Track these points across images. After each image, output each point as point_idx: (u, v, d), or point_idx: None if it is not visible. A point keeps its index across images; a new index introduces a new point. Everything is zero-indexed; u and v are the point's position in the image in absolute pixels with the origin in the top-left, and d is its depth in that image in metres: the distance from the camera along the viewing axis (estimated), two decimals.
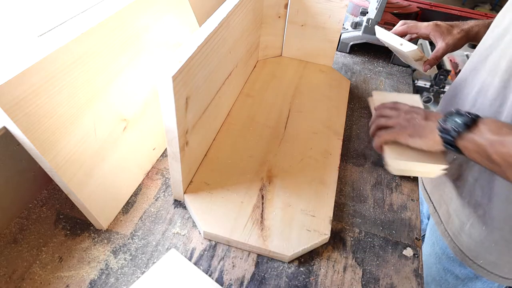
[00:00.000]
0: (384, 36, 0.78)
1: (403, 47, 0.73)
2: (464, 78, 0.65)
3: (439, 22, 0.75)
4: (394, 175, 0.70)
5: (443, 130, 0.49)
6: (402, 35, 0.80)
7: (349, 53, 1.09)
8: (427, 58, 0.75)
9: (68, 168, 0.50)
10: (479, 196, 0.61)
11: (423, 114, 0.53)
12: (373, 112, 0.68)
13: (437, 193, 0.71)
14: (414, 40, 0.79)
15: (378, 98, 0.69)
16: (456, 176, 0.66)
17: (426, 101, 1.13)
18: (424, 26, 0.75)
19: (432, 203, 0.73)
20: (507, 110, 0.53)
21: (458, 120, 0.47)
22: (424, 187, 0.75)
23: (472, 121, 0.47)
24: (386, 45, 0.80)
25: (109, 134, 0.57)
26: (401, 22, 0.80)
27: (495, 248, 0.61)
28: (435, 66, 0.78)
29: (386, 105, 0.61)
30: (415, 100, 0.66)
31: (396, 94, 0.79)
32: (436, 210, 0.71)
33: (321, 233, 0.56)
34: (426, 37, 0.75)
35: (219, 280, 0.51)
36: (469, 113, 0.48)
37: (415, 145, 0.52)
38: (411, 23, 0.78)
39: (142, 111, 0.65)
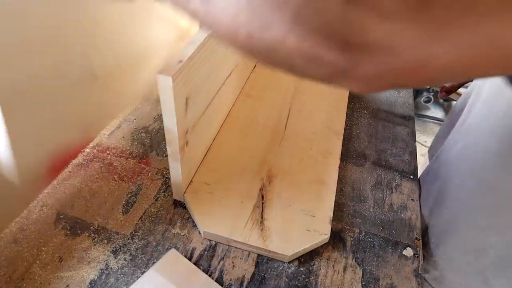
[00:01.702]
0: None
1: None
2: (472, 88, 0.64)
3: None
4: (395, 175, 0.70)
5: None
6: None
7: None
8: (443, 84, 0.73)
9: None
10: None
11: None
12: None
13: None
14: None
15: None
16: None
17: (426, 101, 1.13)
18: None
19: None
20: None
21: None
22: None
23: None
24: None
25: None
26: None
27: (439, 263, 0.61)
28: None
29: None
30: None
31: None
32: None
33: (321, 233, 0.56)
34: None
35: (219, 280, 0.51)
36: None
37: None
38: None
39: None
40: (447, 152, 0.64)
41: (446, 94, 0.73)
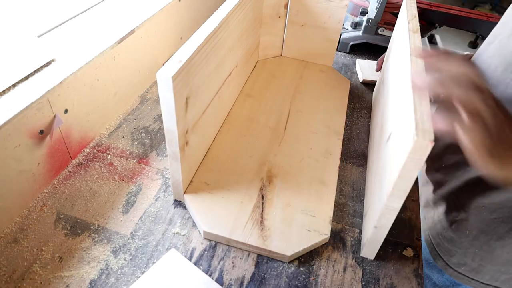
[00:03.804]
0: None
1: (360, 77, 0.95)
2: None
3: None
4: None
5: None
6: None
7: (349, 53, 1.09)
8: None
9: None
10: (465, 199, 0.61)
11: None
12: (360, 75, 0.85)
13: (423, 195, 0.71)
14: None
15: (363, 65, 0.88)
16: (439, 184, 0.66)
17: None
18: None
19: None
20: None
21: None
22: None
23: None
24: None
25: None
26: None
27: (478, 254, 0.60)
28: None
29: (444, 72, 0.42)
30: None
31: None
32: (424, 215, 0.70)
33: (321, 233, 0.56)
34: None
35: (219, 280, 0.51)
36: None
37: (489, 169, 0.40)
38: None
39: None
40: None
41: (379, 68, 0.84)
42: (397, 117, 0.50)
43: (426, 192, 0.70)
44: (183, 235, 0.56)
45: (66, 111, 0.62)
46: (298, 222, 0.57)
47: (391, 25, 1.03)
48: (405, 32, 0.58)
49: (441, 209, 0.66)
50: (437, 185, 0.67)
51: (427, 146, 0.37)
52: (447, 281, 0.68)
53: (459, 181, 0.62)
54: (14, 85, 0.56)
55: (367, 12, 1.08)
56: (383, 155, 0.54)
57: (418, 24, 0.59)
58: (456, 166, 0.63)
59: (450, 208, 0.64)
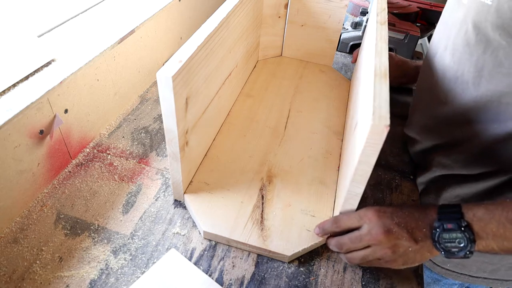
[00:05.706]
0: None
1: None
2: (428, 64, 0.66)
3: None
4: (395, 175, 0.70)
5: (448, 254, 0.45)
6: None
7: (349, 53, 1.08)
8: None
9: None
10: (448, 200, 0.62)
11: (407, 236, 0.46)
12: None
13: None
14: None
15: None
16: (423, 189, 0.68)
17: None
18: None
19: None
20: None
21: (459, 240, 0.44)
22: None
23: (471, 234, 0.44)
24: None
25: None
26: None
27: None
28: None
29: (341, 232, 0.52)
30: None
31: None
32: None
33: None
34: None
35: (219, 280, 0.51)
36: (458, 221, 0.45)
37: (411, 266, 0.49)
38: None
39: None
40: None
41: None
42: (362, 105, 0.51)
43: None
44: (183, 235, 0.56)
45: (66, 111, 0.62)
46: (298, 222, 0.57)
47: (391, 25, 1.03)
48: (374, 24, 0.58)
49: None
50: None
51: (383, 131, 0.39)
52: (428, 278, 0.69)
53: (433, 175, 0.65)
54: (14, 85, 0.56)
55: (367, 12, 1.08)
56: (351, 143, 0.55)
57: (387, 16, 0.60)
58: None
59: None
